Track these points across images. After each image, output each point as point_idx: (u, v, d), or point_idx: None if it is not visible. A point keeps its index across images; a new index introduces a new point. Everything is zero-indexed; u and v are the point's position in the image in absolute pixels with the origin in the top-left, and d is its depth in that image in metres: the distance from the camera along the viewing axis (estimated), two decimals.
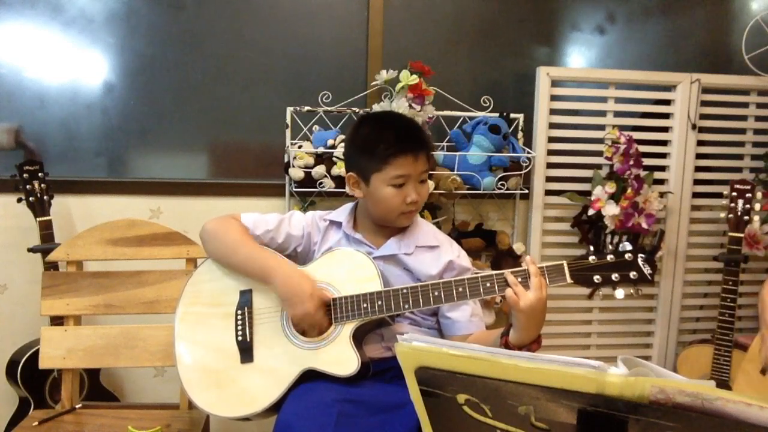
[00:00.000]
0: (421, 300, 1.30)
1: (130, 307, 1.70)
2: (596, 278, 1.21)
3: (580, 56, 2.53)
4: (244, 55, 2.28)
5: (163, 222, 2.09)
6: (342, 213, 1.51)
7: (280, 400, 1.32)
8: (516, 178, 2.21)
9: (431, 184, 2.09)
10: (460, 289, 1.28)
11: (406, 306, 1.31)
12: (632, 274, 1.20)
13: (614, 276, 1.21)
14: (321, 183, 2.09)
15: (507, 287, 1.22)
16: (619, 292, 1.23)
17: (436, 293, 1.29)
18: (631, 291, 1.23)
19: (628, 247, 1.22)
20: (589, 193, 2.29)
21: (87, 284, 1.69)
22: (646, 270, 1.20)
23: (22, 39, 2.15)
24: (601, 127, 2.38)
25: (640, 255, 1.21)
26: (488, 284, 1.26)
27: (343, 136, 2.11)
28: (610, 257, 1.21)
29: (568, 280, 1.22)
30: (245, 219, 1.48)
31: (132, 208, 2.18)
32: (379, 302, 1.32)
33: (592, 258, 1.22)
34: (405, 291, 1.31)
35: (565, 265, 1.23)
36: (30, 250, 2.00)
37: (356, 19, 2.31)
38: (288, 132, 2.21)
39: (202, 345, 1.42)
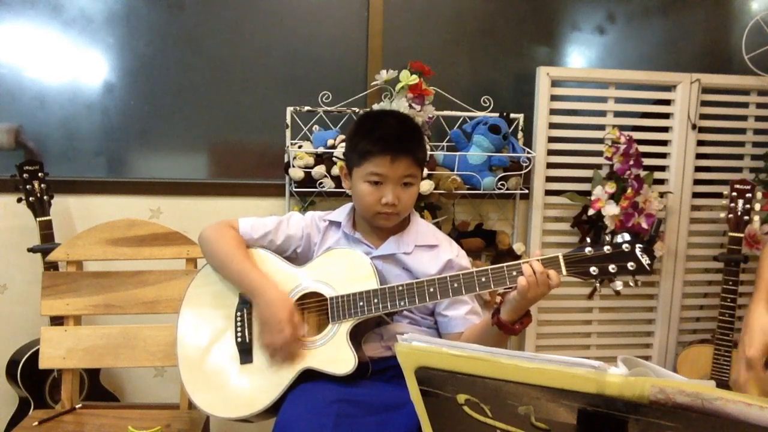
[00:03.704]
0: (416, 297, 1.30)
1: (130, 307, 1.70)
2: (593, 270, 1.20)
3: (580, 56, 2.53)
4: (244, 55, 2.28)
5: (163, 222, 2.09)
6: (341, 213, 1.51)
7: (280, 400, 1.32)
8: (516, 178, 2.21)
9: (431, 183, 2.09)
10: (455, 285, 1.28)
11: (402, 303, 1.31)
12: (630, 265, 1.19)
13: (611, 267, 1.20)
14: (321, 183, 2.09)
15: (512, 277, 1.22)
16: (618, 284, 1.22)
17: (431, 289, 1.29)
18: (630, 283, 1.22)
19: (626, 237, 1.20)
20: (589, 193, 2.29)
21: (87, 284, 1.69)
22: (644, 260, 1.19)
23: (22, 39, 2.15)
24: (601, 127, 2.38)
25: (637, 245, 1.19)
26: (483, 279, 1.26)
27: (343, 136, 2.11)
28: (606, 248, 1.20)
29: (564, 272, 1.22)
30: (243, 224, 1.48)
31: (132, 208, 2.18)
32: (375, 300, 1.32)
33: (588, 249, 1.21)
34: (400, 288, 1.31)
35: (561, 257, 1.22)
36: (30, 250, 2.00)
37: (356, 19, 2.31)
38: (288, 132, 2.21)
39: (202, 346, 1.42)
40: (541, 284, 1.20)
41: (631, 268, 1.19)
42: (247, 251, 1.45)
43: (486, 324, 1.33)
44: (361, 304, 1.33)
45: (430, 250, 1.46)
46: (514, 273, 1.23)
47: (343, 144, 2.05)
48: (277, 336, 1.31)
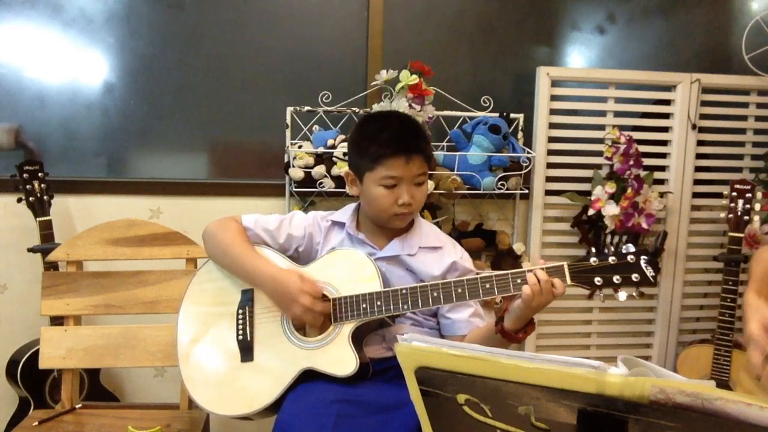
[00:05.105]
0: (420, 301, 1.30)
1: (130, 307, 1.70)
2: (597, 280, 1.21)
3: (580, 56, 2.53)
4: (244, 55, 2.28)
5: (163, 222, 2.09)
6: (345, 213, 1.51)
7: (280, 399, 1.32)
8: (516, 178, 2.21)
9: (431, 184, 2.09)
10: (459, 290, 1.28)
11: (405, 307, 1.31)
12: (634, 276, 1.19)
13: (615, 278, 1.20)
14: (321, 183, 2.09)
15: (516, 284, 1.22)
16: (622, 294, 1.22)
17: (435, 294, 1.29)
18: (633, 293, 1.22)
19: (631, 248, 1.20)
20: (589, 193, 2.29)
21: (87, 284, 1.69)
22: (649, 272, 1.19)
23: (22, 39, 2.15)
24: (601, 127, 2.38)
25: (642, 257, 1.19)
26: (487, 285, 1.26)
27: (343, 136, 2.11)
28: (611, 259, 1.20)
29: (568, 281, 1.22)
30: (246, 220, 1.48)
31: (132, 208, 2.18)
32: (378, 302, 1.32)
33: (593, 259, 1.21)
34: (404, 291, 1.31)
35: (566, 266, 1.23)
36: (30, 250, 2.00)
37: (356, 19, 2.31)
38: (288, 132, 2.21)
39: (203, 343, 1.42)
40: (546, 293, 1.20)
41: (635, 280, 1.19)
42: (250, 243, 1.45)
43: (489, 331, 1.33)
44: (365, 306, 1.32)
45: (434, 252, 1.46)
46: (519, 281, 1.23)
47: (343, 144, 2.06)
48: (302, 298, 1.30)
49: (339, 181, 2.08)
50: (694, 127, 2.40)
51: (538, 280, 1.20)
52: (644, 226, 2.21)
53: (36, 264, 2.06)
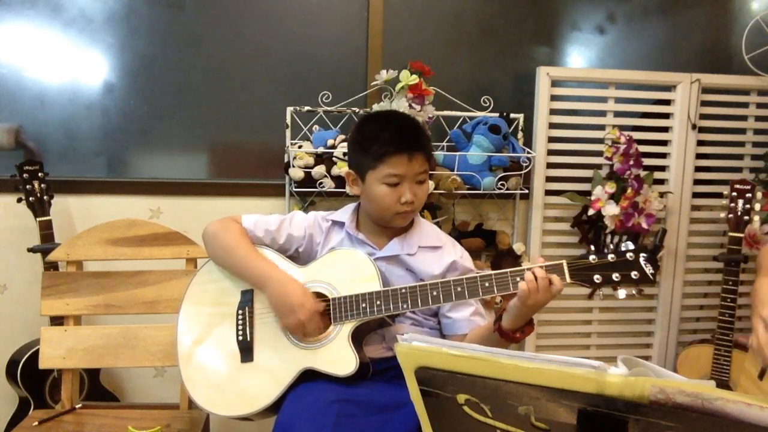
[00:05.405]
0: (419, 300, 1.30)
1: (130, 307, 1.70)
2: (596, 278, 1.21)
3: (580, 56, 2.53)
4: (244, 55, 2.28)
5: (163, 222, 2.09)
6: (345, 213, 1.51)
7: (280, 399, 1.32)
8: (516, 178, 2.21)
9: (431, 184, 2.09)
10: (459, 289, 1.28)
11: (405, 306, 1.31)
12: (634, 274, 1.19)
13: (615, 276, 1.20)
14: (321, 183, 2.09)
15: (515, 283, 1.22)
16: (621, 292, 1.22)
17: (435, 293, 1.29)
18: (633, 291, 1.22)
19: (630, 246, 1.20)
20: (589, 193, 2.29)
21: (87, 284, 1.69)
22: (648, 270, 1.19)
23: (22, 39, 2.15)
24: (601, 127, 2.38)
25: (641, 254, 1.19)
26: (487, 284, 1.26)
27: (343, 136, 2.11)
28: (611, 257, 1.20)
29: (568, 279, 1.22)
30: (246, 220, 1.48)
31: (132, 208, 2.18)
32: (378, 302, 1.32)
33: (592, 257, 1.21)
34: (404, 291, 1.31)
35: (565, 264, 1.23)
36: (30, 250, 2.00)
37: (356, 19, 2.31)
38: (288, 132, 2.21)
39: (203, 344, 1.42)
40: (543, 290, 1.19)
41: (634, 278, 1.19)
42: (253, 245, 1.45)
43: (488, 329, 1.33)
44: (364, 305, 1.32)
45: (434, 252, 1.46)
46: (518, 279, 1.23)
47: (343, 144, 2.06)
48: (300, 312, 1.31)
49: (339, 181, 2.08)
50: (694, 127, 2.40)
51: (535, 278, 1.20)
52: (644, 226, 2.21)
53: (36, 264, 2.06)
